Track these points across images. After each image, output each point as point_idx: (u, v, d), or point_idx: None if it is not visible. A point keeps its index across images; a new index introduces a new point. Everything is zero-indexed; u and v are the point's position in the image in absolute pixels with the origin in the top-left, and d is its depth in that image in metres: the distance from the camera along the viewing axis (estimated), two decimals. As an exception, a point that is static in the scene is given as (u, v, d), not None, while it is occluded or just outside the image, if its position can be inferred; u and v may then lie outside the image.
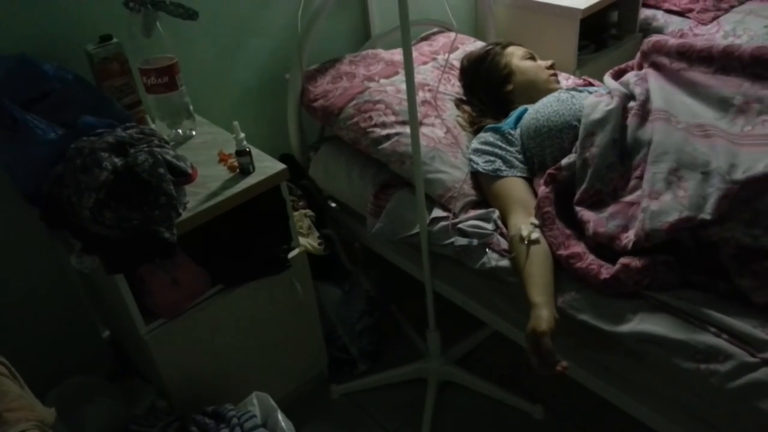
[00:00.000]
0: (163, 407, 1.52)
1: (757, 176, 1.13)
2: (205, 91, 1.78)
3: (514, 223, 1.37)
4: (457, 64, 1.88)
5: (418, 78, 1.76)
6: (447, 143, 1.62)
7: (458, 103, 1.79)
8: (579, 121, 1.39)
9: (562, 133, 1.43)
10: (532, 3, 2.18)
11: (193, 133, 1.61)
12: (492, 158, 1.50)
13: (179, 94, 1.53)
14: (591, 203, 1.33)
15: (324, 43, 1.96)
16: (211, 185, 1.41)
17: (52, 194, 1.30)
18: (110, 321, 1.82)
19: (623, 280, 1.20)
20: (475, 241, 1.41)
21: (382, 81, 1.80)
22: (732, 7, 2.42)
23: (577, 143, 1.37)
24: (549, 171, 1.38)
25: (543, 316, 1.17)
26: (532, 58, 1.74)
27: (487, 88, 1.73)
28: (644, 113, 1.35)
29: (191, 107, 1.59)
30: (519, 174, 1.48)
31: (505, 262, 1.37)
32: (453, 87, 1.86)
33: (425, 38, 2.13)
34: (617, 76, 1.53)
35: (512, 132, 1.55)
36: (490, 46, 1.77)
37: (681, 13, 2.43)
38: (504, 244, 1.39)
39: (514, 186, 1.45)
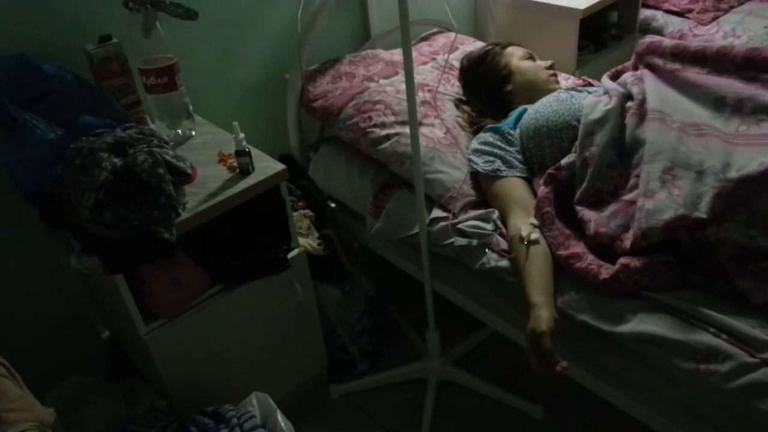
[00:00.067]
0: (163, 407, 1.52)
1: (751, 175, 1.14)
2: (205, 91, 1.78)
3: (514, 223, 1.37)
4: (456, 64, 1.88)
5: (417, 78, 1.75)
6: (446, 143, 1.62)
7: (458, 103, 1.79)
8: (578, 120, 1.39)
9: (562, 133, 1.43)
10: (531, 3, 2.18)
11: (193, 133, 1.61)
12: (491, 158, 1.50)
13: (179, 95, 1.53)
14: (591, 202, 1.33)
15: (324, 43, 1.96)
16: (211, 185, 1.41)
17: (51, 194, 1.30)
18: (110, 321, 1.82)
19: (623, 280, 1.20)
20: (474, 242, 1.41)
21: (382, 81, 1.80)
22: (731, 7, 2.42)
23: (577, 143, 1.37)
24: (549, 171, 1.38)
25: (543, 316, 1.17)
26: (532, 58, 1.74)
27: (487, 89, 1.73)
28: (642, 113, 1.36)
29: (191, 107, 1.59)
30: (518, 174, 1.48)
31: (504, 263, 1.37)
32: (453, 87, 1.86)
33: (425, 38, 2.13)
34: (614, 77, 1.53)
35: (512, 132, 1.55)
36: (489, 47, 1.77)
37: (680, 14, 2.43)
38: (503, 244, 1.39)
39: (514, 186, 1.45)
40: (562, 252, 1.28)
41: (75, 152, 1.26)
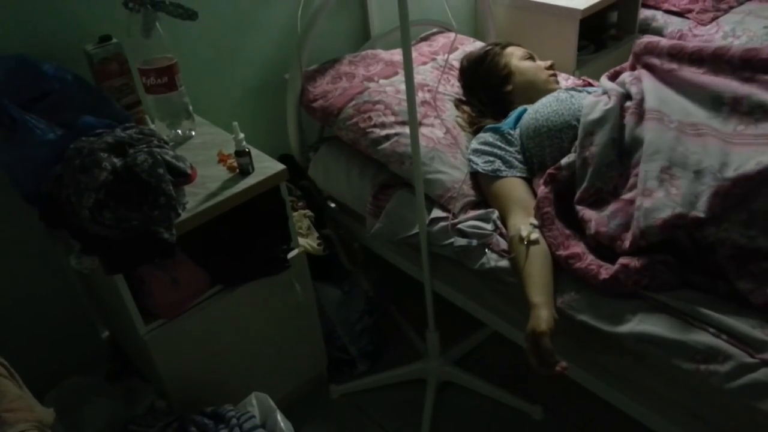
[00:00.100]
0: (163, 407, 1.52)
1: (748, 174, 1.14)
2: (205, 91, 1.78)
3: (514, 223, 1.37)
4: (456, 64, 1.88)
5: (417, 78, 1.75)
6: (446, 143, 1.62)
7: (458, 103, 1.79)
8: (578, 120, 1.40)
9: (562, 133, 1.43)
10: (531, 3, 2.18)
11: (193, 133, 1.61)
12: (491, 158, 1.50)
13: (179, 95, 1.53)
14: (591, 202, 1.33)
15: (323, 44, 1.96)
16: (211, 186, 1.41)
17: (51, 194, 1.30)
18: (109, 321, 1.82)
19: (622, 280, 1.20)
20: (474, 242, 1.41)
21: (382, 81, 1.80)
22: (731, 7, 2.42)
23: (577, 143, 1.37)
24: (549, 171, 1.38)
25: (542, 316, 1.17)
26: (532, 58, 1.74)
27: (487, 89, 1.73)
28: (641, 112, 1.36)
29: (191, 107, 1.59)
30: (518, 174, 1.48)
31: (504, 263, 1.37)
32: (452, 87, 1.86)
33: (425, 38, 2.13)
34: (613, 78, 1.53)
35: (512, 132, 1.55)
36: (489, 47, 1.77)
37: (680, 14, 2.43)
38: (503, 244, 1.39)
39: (514, 186, 1.45)
40: (562, 252, 1.28)
41: (75, 152, 1.26)
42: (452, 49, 1.99)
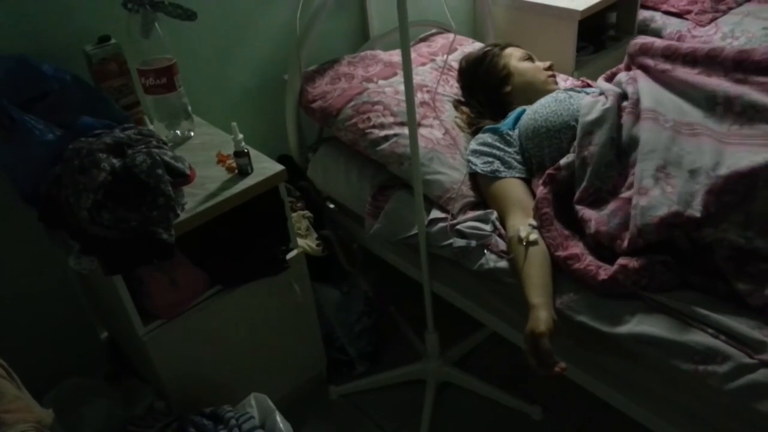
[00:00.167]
0: (162, 408, 1.52)
1: (740, 171, 1.14)
2: (204, 92, 1.78)
3: (513, 224, 1.37)
4: (455, 65, 1.89)
5: (416, 79, 1.76)
6: (445, 144, 1.62)
7: (457, 104, 1.79)
8: (577, 121, 1.40)
9: (561, 134, 1.44)
10: (530, 4, 2.18)
11: (192, 134, 1.61)
12: (490, 159, 1.50)
13: (178, 95, 1.53)
14: (591, 201, 1.33)
15: (323, 44, 1.96)
16: (210, 186, 1.41)
17: (50, 195, 1.29)
18: (108, 322, 1.82)
19: (621, 281, 1.20)
20: (473, 243, 1.41)
21: (381, 82, 1.80)
22: (730, 8, 2.43)
23: (575, 143, 1.38)
24: (548, 171, 1.38)
25: (541, 317, 1.17)
26: (531, 59, 1.74)
27: (486, 90, 1.73)
28: (637, 112, 1.36)
29: (189, 108, 1.59)
30: (517, 175, 1.48)
31: (503, 264, 1.37)
32: (451, 88, 1.86)
33: (424, 39, 2.13)
34: (610, 79, 1.54)
35: (510, 133, 1.55)
36: (488, 48, 1.77)
37: (679, 15, 2.44)
38: (502, 245, 1.39)
39: (513, 187, 1.45)
40: (561, 253, 1.28)
41: (74, 153, 1.25)
42: (451, 50, 1.99)
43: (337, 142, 1.80)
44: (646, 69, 1.45)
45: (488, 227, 1.43)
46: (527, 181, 1.48)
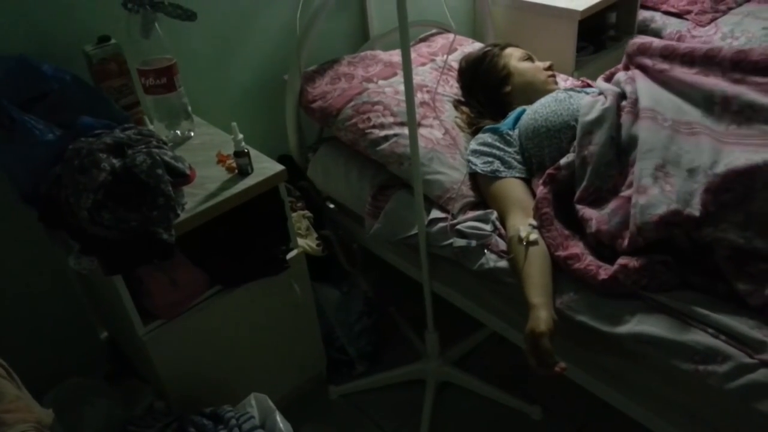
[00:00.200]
0: (161, 408, 1.52)
1: (737, 169, 1.15)
2: (204, 92, 1.78)
3: (513, 224, 1.37)
4: (455, 65, 1.89)
5: (416, 79, 1.76)
6: (445, 144, 1.62)
7: (456, 104, 1.80)
8: (577, 121, 1.40)
9: (561, 133, 1.44)
10: (530, 4, 2.18)
11: (192, 134, 1.61)
12: (490, 159, 1.50)
13: (178, 95, 1.53)
14: (591, 201, 1.33)
15: (323, 44, 1.96)
16: (210, 186, 1.41)
17: (50, 195, 1.29)
18: (108, 322, 1.82)
19: (621, 281, 1.20)
20: (473, 242, 1.41)
21: (381, 82, 1.80)
22: (730, 8, 2.43)
23: (575, 142, 1.38)
24: (548, 171, 1.38)
25: (541, 317, 1.17)
26: (530, 59, 1.74)
27: (486, 90, 1.73)
28: (636, 111, 1.37)
29: (189, 108, 1.59)
30: (517, 175, 1.48)
31: (503, 263, 1.37)
32: (451, 88, 1.86)
33: (424, 39, 2.13)
34: (608, 79, 1.54)
35: (510, 133, 1.55)
36: (488, 48, 1.77)
37: (679, 15, 2.44)
38: (502, 245, 1.39)
39: (513, 187, 1.45)
40: (561, 253, 1.28)
41: (74, 153, 1.26)
42: (451, 50, 1.99)
43: (337, 142, 1.80)
44: (644, 69, 1.45)
45: (488, 227, 1.43)
46: (527, 181, 1.48)
